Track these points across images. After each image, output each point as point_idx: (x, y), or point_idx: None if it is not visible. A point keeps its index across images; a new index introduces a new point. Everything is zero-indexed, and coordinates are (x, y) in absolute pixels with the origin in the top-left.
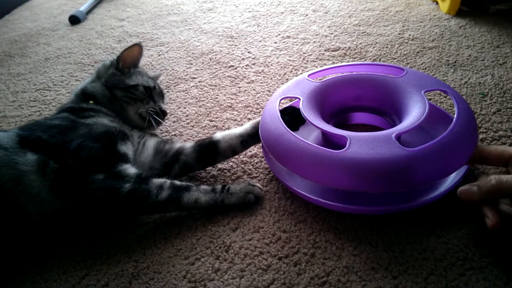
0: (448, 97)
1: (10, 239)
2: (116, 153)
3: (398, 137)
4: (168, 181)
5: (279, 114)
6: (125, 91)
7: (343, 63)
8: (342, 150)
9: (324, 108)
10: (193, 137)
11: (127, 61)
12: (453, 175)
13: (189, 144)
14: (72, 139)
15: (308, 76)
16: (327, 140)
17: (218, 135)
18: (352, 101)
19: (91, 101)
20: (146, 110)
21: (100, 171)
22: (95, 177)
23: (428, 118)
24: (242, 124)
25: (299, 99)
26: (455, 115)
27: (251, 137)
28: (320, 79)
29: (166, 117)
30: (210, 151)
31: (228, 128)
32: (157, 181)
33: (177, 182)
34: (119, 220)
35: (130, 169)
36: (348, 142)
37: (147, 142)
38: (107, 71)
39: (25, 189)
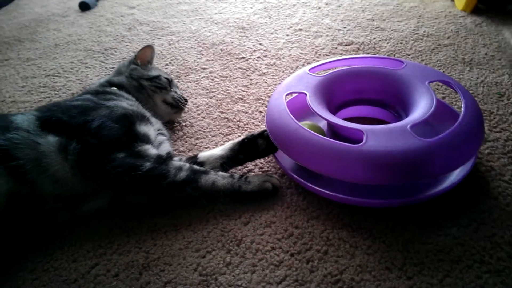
0: (442, 91)
1: (23, 224)
2: (136, 134)
3: (412, 129)
4: (188, 164)
5: (288, 110)
6: (150, 81)
7: (342, 57)
8: (361, 144)
9: (328, 102)
10: (204, 129)
11: (143, 60)
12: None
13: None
14: (94, 118)
15: (309, 70)
16: (335, 133)
17: (203, 156)
18: (355, 94)
19: (114, 88)
20: (172, 96)
21: (121, 150)
22: (116, 155)
23: (434, 109)
24: (253, 117)
25: (306, 94)
26: (463, 105)
27: (230, 161)
28: (318, 73)
29: (187, 103)
30: None
31: (237, 119)
32: (177, 163)
33: (196, 167)
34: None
35: (151, 150)
36: (365, 136)
37: (162, 145)
38: (128, 68)
39: (44, 170)
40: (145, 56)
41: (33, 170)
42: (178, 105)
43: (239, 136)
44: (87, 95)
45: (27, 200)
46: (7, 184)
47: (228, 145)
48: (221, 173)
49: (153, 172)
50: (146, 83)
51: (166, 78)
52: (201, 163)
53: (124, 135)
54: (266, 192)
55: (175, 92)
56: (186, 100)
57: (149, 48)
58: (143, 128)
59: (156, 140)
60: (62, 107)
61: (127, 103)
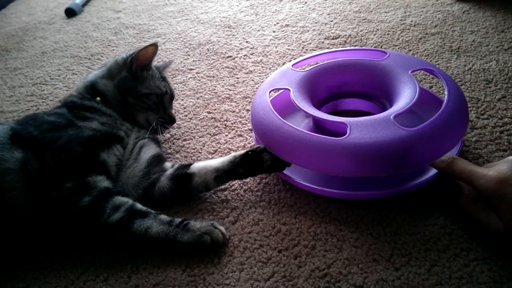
0: (429, 80)
1: (6, 234)
2: (95, 161)
3: (395, 119)
4: (130, 203)
5: (272, 107)
6: (137, 99)
7: (324, 51)
8: (344, 136)
9: (313, 96)
10: (191, 130)
11: (141, 62)
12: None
13: (168, 171)
14: (60, 137)
15: (292, 66)
16: (320, 127)
17: (196, 167)
18: (339, 87)
19: (98, 98)
20: (156, 119)
21: (71, 179)
22: (65, 184)
23: (417, 98)
24: (240, 116)
25: (289, 90)
26: (446, 93)
27: (226, 174)
28: (303, 68)
29: (173, 124)
30: (184, 184)
31: (225, 119)
32: (118, 200)
33: (138, 206)
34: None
35: (102, 182)
36: (348, 129)
37: (144, 151)
38: (120, 72)
39: (9, 186)
40: (145, 57)
41: (2, 182)
42: (157, 130)
43: (226, 135)
44: (63, 108)
45: (4, 212)
46: None
47: (228, 157)
48: (161, 216)
49: (88, 209)
50: (132, 101)
51: (158, 94)
52: (191, 175)
53: (82, 160)
54: (203, 245)
55: (162, 112)
56: (173, 120)
57: (152, 47)
58: (103, 155)
59: (136, 146)
60: (37, 121)
61: (99, 121)
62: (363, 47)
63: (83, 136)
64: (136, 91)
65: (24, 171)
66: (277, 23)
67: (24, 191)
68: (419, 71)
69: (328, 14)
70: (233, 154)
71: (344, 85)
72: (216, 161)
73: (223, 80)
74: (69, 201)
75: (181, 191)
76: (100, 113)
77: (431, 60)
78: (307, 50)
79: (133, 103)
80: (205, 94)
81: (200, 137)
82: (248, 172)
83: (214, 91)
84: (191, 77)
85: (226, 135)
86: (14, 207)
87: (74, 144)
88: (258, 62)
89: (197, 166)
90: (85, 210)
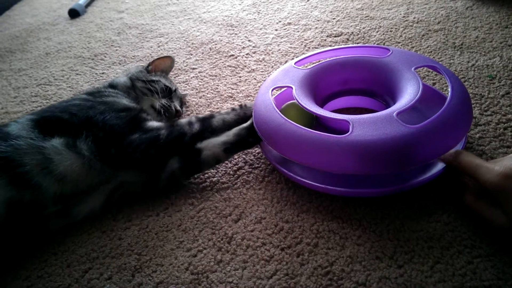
0: (432, 77)
1: (19, 232)
2: (141, 117)
3: (398, 116)
4: (193, 117)
5: (274, 104)
6: (144, 83)
7: (327, 48)
8: (347, 134)
9: (315, 94)
10: None
11: (157, 69)
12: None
13: None
14: (95, 114)
15: (295, 63)
16: (322, 125)
17: (203, 143)
18: (341, 85)
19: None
20: (160, 104)
21: (134, 132)
22: (131, 137)
23: (420, 95)
24: None
25: (292, 87)
26: (449, 89)
27: (234, 146)
28: (306, 66)
29: (178, 116)
30: (194, 159)
31: None
32: (183, 120)
33: (200, 116)
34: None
35: (156, 123)
36: (351, 126)
37: None
38: (137, 70)
39: (51, 171)
40: (160, 65)
41: (39, 174)
42: (163, 114)
43: None
44: (83, 95)
45: (27, 207)
46: (8, 192)
47: (232, 131)
48: (222, 111)
49: (172, 135)
50: (139, 84)
51: (167, 86)
52: (199, 150)
53: (131, 120)
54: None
55: (167, 101)
56: (177, 111)
57: (168, 58)
58: (144, 115)
59: None
60: (60, 107)
61: (126, 100)
62: (366, 44)
63: (120, 106)
64: (146, 77)
65: (74, 148)
66: (279, 22)
67: (84, 163)
68: (422, 67)
69: (331, 12)
70: (236, 128)
71: (346, 83)
72: (221, 137)
73: (226, 79)
74: (150, 141)
75: (191, 167)
76: (121, 95)
77: (434, 57)
78: (309, 48)
79: (140, 87)
80: (207, 93)
81: None
82: (258, 139)
83: (217, 90)
84: (193, 76)
85: None
86: (45, 192)
87: (115, 112)
88: (261, 61)
89: (204, 142)
90: (170, 137)
